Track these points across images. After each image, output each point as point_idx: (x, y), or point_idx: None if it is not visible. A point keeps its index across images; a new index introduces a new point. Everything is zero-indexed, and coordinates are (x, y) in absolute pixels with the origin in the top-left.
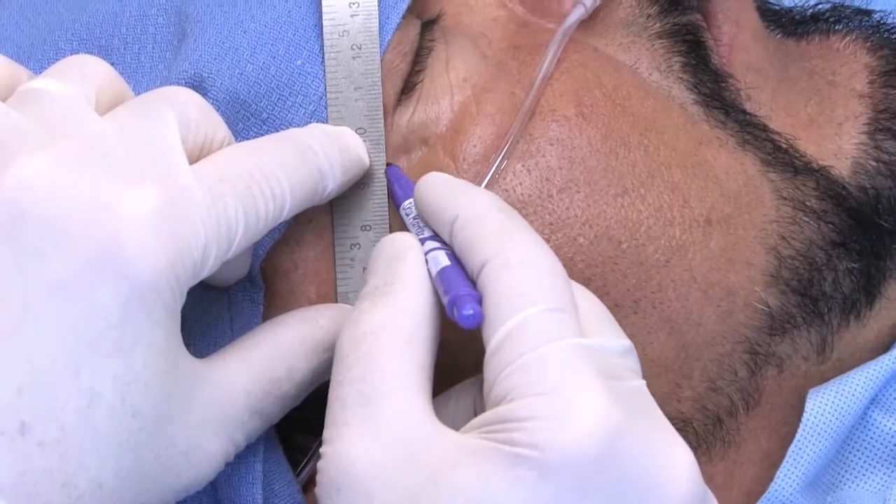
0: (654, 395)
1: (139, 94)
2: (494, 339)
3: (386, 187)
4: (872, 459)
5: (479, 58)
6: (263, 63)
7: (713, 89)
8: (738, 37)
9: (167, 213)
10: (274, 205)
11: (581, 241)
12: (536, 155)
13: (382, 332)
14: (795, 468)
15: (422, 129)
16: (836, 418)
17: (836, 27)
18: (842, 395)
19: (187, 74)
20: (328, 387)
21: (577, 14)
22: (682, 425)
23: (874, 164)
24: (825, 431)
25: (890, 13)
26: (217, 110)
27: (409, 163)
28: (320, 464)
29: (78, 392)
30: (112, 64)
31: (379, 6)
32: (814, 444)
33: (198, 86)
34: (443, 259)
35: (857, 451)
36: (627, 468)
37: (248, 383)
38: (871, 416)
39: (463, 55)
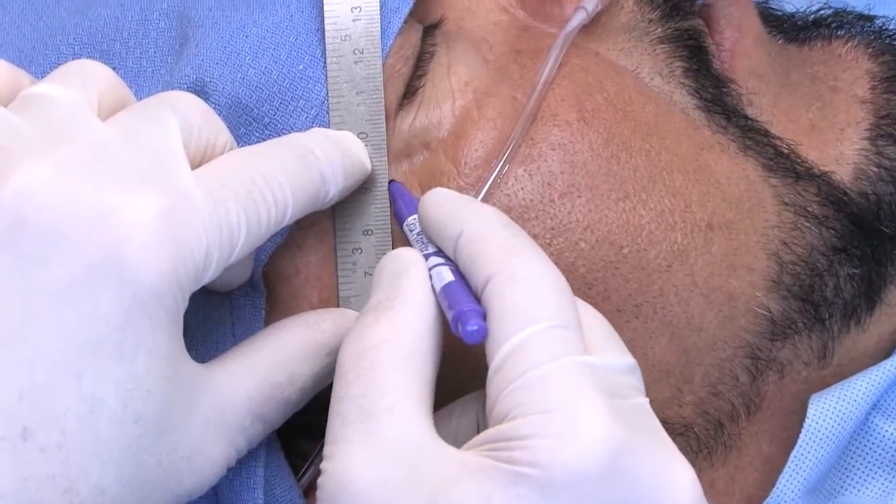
0: (655, 399)
1: (141, 98)
2: (498, 355)
3: (388, 194)
4: (874, 465)
5: (481, 62)
6: (265, 67)
7: (715, 94)
8: (739, 42)
9: (169, 219)
10: (276, 210)
11: (582, 246)
12: (538, 159)
13: (384, 346)
14: (797, 474)
15: (423, 134)
16: (838, 424)
17: (838, 33)
18: (843, 400)
19: (189, 79)
20: (330, 392)
21: (578, 19)
22: (684, 430)
23: (875, 169)
24: (827, 437)
25: (892, 19)
26: (219, 115)
27: (411, 167)
28: (320, 480)
29: (79, 397)
30: (114, 68)
31: (381, 11)
32: (815, 450)
33: (200, 90)
34: (447, 275)
35: (859, 456)
36: (630, 486)
37: (250, 388)
38: (872, 422)
39: (465, 60)
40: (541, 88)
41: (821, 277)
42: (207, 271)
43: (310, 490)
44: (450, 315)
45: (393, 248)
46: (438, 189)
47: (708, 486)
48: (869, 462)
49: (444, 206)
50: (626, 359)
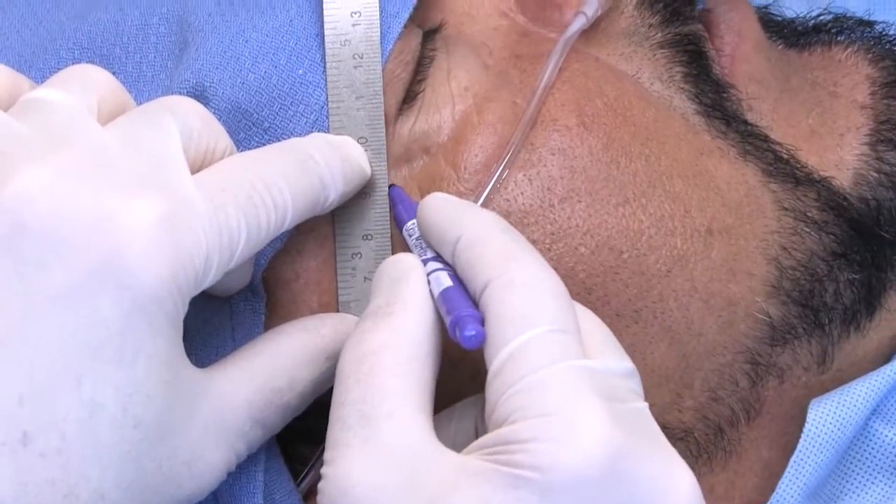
0: (655, 404)
1: (141, 103)
2: (497, 360)
3: (387, 196)
4: (874, 470)
5: (481, 67)
6: (265, 72)
7: (714, 99)
8: (739, 47)
9: (169, 224)
10: (276, 215)
11: (582, 251)
12: (538, 164)
13: (383, 352)
14: (797, 479)
15: (423, 139)
16: (838, 429)
17: (838, 38)
18: (843, 405)
19: (189, 84)
20: (329, 396)
21: (578, 24)
22: (684, 435)
23: (875, 174)
24: (826, 442)
25: (891, 24)
26: (219, 120)
27: (411, 172)
28: (321, 485)
29: (79, 402)
30: (113, 73)
31: (381, 15)
32: (815, 455)
33: (199, 95)
34: (445, 280)
35: (859, 461)
36: (629, 490)
37: (250, 393)
38: (872, 427)
39: (464, 64)
40: (541, 93)
41: (821, 283)
42: (207, 276)
43: (309, 495)
44: (448, 320)
45: (392, 253)
46: (437, 194)
47: (708, 491)
48: (869, 467)
49: (442, 210)
50: (624, 363)
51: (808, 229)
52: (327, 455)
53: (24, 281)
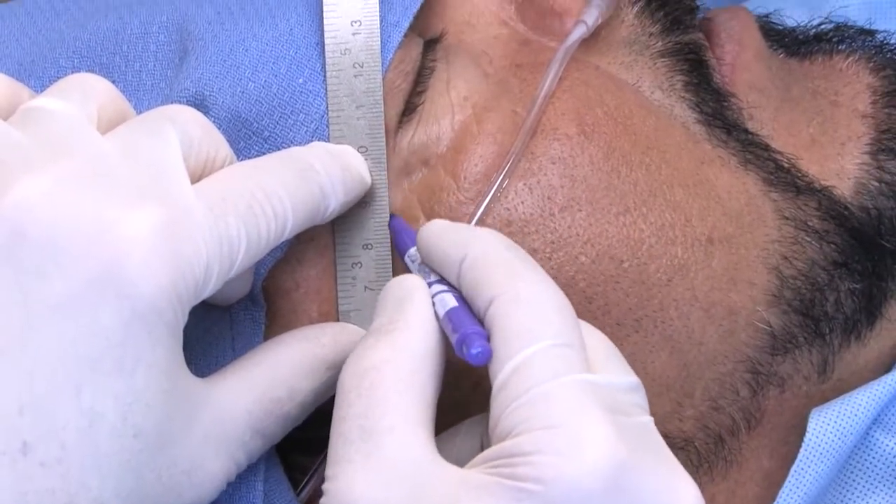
0: (655, 414)
1: (141, 112)
2: (501, 374)
3: (388, 206)
4: (875, 480)
5: (481, 76)
6: (265, 81)
7: (715, 108)
8: (740, 56)
9: (169, 233)
10: (276, 224)
11: (583, 260)
12: (538, 173)
13: (385, 367)
14: (797, 488)
15: (423, 150)
16: (839, 438)
17: (839, 47)
18: (844, 415)
19: (189, 92)
20: (329, 406)
21: (578, 32)
22: (684, 444)
23: (876, 184)
24: (827, 452)
25: (893, 33)
26: (219, 129)
27: (411, 184)
28: (323, 500)
29: (79, 412)
30: (113, 82)
31: (381, 24)
32: (816, 465)
33: (199, 104)
34: (450, 300)
35: (860, 471)
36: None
37: (250, 403)
38: (873, 437)
39: (464, 74)
40: (541, 102)
41: (821, 292)
42: (207, 285)
43: None
44: (454, 338)
45: (393, 262)
46: (436, 220)
47: (709, 501)
48: (869, 477)
49: (445, 233)
50: (629, 377)
51: (808, 238)
52: (329, 470)
53: (23, 290)
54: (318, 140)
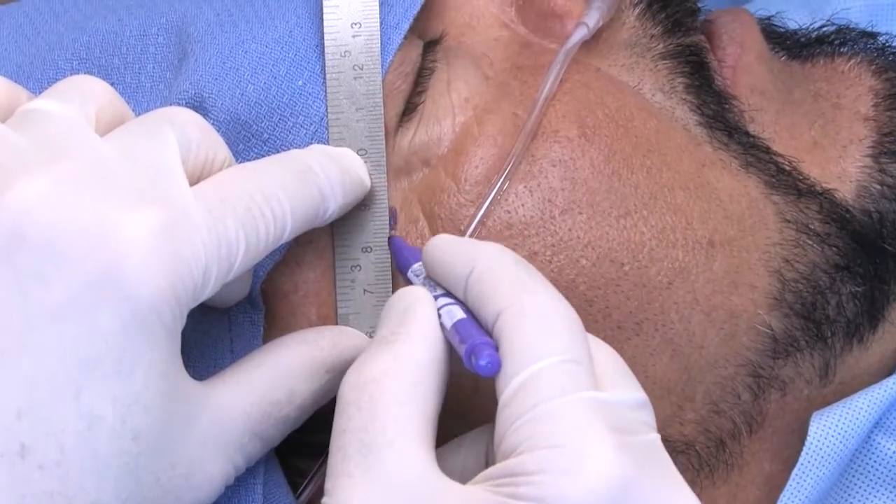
0: (656, 417)
1: (139, 114)
2: (508, 390)
3: (387, 209)
4: (876, 483)
5: (481, 78)
6: (264, 83)
7: (716, 111)
8: (742, 58)
9: (168, 235)
10: (275, 226)
11: (583, 263)
12: (539, 176)
13: (385, 379)
14: (799, 492)
15: (423, 151)
16: (840, 442)
17: (841, 50)
18: (845, 418)
19: (188, 94)
20: (329, 408)
21: (579, 35)
22: (685, 448)
23: (878, 187)
24: (828, 455)
25: (895, 36)
26: (218, 131)
27: (411, 184)
28: None
29: (78, 414)
30: (112, 84)
31: (381, 26)
32: (817, 468)
33: (198, 106)
34: (458, 312)
35: (861, 475)
36: None
37: (248, 405)
38: (874, 440)
39: (465, 76)
40: (541, 104)
41: (823, 295)
42: (206, 288)
43: None
44: (462, 350)
45: (392, 265)
46: (441, 235)
47: None
48: (871, 480)
49: (451, 248)
50: (636, 394)
51: (810, 241)
52: (328, 485)
53: (22, 292)
54: (318, 142)
